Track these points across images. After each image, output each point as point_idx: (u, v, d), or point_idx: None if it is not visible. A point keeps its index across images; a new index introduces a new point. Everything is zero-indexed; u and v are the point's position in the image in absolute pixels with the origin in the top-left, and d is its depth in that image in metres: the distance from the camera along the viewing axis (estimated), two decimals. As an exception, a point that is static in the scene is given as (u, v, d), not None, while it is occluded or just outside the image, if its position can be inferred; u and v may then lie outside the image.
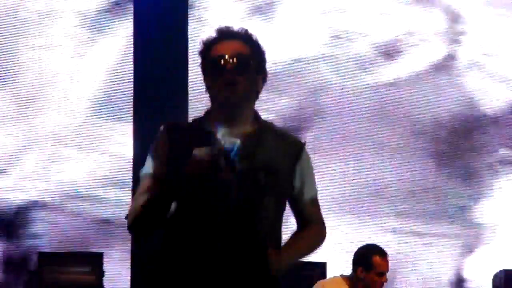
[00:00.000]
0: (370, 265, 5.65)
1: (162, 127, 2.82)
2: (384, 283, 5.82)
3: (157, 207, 2.67)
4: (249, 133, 2.76)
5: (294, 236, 2.87)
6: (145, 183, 2.74)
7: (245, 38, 2.82)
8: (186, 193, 2.67)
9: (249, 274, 2.70)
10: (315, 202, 2.91)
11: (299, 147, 2.85)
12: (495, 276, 8.12)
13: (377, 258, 5.69)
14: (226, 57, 2.72)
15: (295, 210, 2.87)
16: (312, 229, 2.92)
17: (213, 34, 2.81)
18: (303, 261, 7.37)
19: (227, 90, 2.69)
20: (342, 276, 5.97)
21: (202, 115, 2.89)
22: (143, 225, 2.69)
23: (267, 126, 2.86)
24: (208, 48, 2.78)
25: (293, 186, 2.82)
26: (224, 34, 2.79)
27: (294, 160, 2.82)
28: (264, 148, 2.79)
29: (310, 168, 2.91)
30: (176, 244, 2.69)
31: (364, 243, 6.08)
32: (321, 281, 6.40)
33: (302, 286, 7.03)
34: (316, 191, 2.93)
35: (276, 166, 2.77)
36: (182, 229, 2.70)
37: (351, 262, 5.84)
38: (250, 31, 2.91)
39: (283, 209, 2.82)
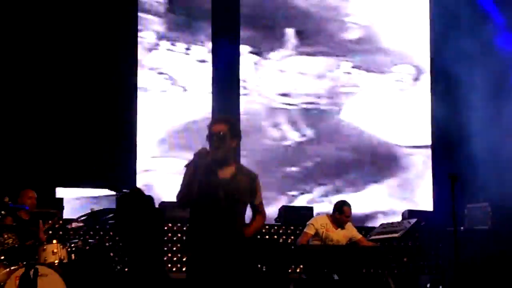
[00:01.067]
0: (342, 211, 8.85)
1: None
2: (348, 221, 8.90)
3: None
4: (232, 173, 5.00)
5: (252, 221, 5.20)
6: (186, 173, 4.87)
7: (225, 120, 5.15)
8: (200, 199, 4.84)
9: (232, 239, 4.90)
10: (261, 204, 5.20)
11: (254, 178, 5.11)
12: (403, 213, 11.09)
13: (345, 208, 8.88)
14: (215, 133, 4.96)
15: (252, 208, 5.20)
16: (259, 218, 5.22)
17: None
18: (300, 206, 10.67)
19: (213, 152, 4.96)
20: (327, 214, 9.06)
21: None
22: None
23: (239, 168, 5.07)
24: (209, 127, 5.06)
25: (251, 198, 5.09)
26: (216, 119, 5.33)
27: (252, 185, 5.09)
28: (238, 181, 5.01)
29: (259, 187, 5.12)
30: (195, 224, 4.93)
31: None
32: (316, 216, 9.42)
33: (299, 221, 10.12)
34: (261, 199, 5.16)
35: (243, 190, 5.02)
36: (197, 216, 4.91)
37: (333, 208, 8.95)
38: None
39: (246, 209, 5.11)
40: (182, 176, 4.95)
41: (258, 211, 5.22)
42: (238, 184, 5.07)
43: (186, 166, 4.88)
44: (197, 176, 4.84)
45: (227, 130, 5.05)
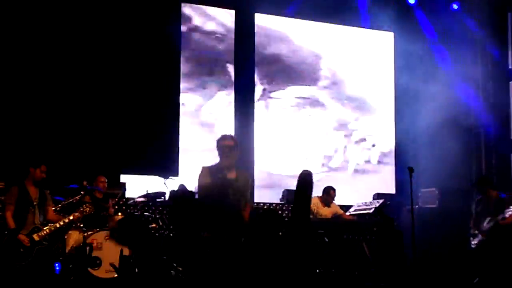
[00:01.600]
0: (329, 194, 10.60)
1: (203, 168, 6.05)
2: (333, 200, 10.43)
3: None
4: (236, 174, 6.06)
5: (244, 208, 6.14)
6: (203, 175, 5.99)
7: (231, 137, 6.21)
8: (214, 193, 5.84)
9: (237, 222, 5.96)
10: (250, 198, 6.33)
11: (249, 177, 6.22)
12: (373, 195, 12.04)
13: (331, 191, 10.65)
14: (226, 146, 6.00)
15: (244, 199, 6.16)
16: (249, 207, 6.21)
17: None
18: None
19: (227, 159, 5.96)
20: (317, 196, 10.56)
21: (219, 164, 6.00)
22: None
23: (239, 170, 6.10)
24: (220, 141, 6.12)
25: (247, 192, 6.17)
26: (223, 136, 6.27)
27: (248, 182, 6.19)
28: (240, 180, 6.04)
29: (250, 185, 6.23)
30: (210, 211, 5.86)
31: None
32: (306, 198, 10.50)
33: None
34: (250, 195, 6.23)
35: (244, 187, 6.11)
36: (212, 205, 5.84)
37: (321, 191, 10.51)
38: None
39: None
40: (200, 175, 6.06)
41: (249, 202, 6.26)
42: (241, 183, 6.13)
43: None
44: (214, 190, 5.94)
45: (234, 144, 6.20)
